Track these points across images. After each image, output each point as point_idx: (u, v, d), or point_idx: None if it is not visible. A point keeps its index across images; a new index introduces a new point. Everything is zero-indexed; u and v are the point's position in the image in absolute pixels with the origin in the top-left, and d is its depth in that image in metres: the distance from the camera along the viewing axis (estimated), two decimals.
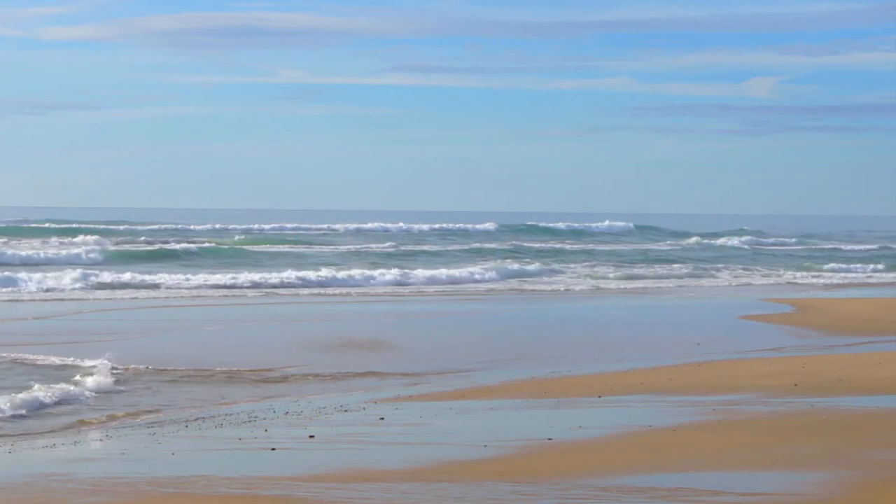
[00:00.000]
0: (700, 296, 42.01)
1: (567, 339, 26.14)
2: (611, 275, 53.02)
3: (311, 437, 12.90)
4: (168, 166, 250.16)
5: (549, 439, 12.23)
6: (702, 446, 11.71)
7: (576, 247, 75.72)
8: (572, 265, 58.72)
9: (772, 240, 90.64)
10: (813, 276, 55.70)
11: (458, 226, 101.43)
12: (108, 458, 11.96)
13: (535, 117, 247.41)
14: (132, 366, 20.22)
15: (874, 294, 43.04)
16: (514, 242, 77.58)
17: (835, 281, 52.72)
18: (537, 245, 75.64)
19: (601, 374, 18.95)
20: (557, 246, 75.71)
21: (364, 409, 15.57)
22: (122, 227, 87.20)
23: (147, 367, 20.19)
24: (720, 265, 61.59)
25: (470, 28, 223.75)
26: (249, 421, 14.80)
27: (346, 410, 15.48)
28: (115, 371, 19.44)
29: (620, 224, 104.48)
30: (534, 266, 55.58)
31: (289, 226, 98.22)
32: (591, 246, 76.95)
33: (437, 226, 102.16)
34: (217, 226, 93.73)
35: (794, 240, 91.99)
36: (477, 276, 49.46)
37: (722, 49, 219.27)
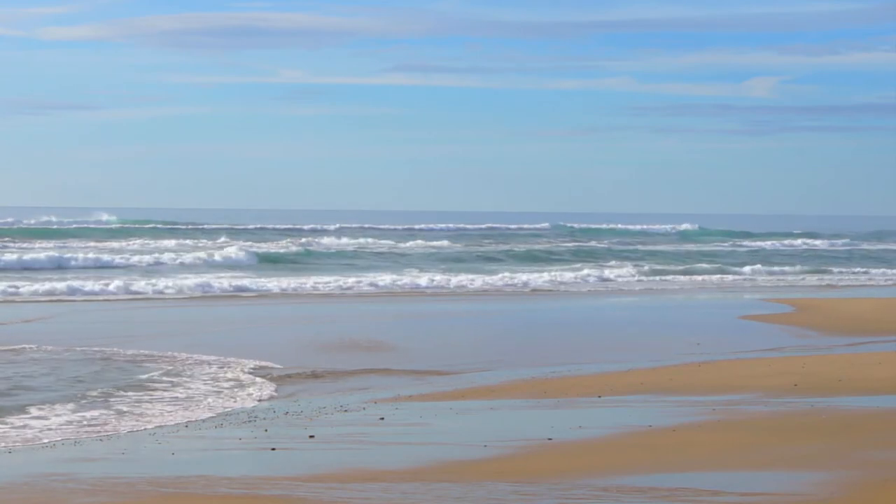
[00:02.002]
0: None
1: (567, 338, 26.14)
2: (827, 279, 52.89)
3: (311, 437, 12.91)
4: (168, 166, 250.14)
5: (549, 439, 12.23)
6: (702, 446, 11.72)
7: (672, 248, 74.38)
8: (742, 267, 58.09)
9: (842, 241, 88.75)
10: None
11: (510, 226, 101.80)
12: (108, 458, 11.96)
13: (535, 117, 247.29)
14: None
15: (874, 294, 43.04)
16: (591, 243, 76.73)
17: None
18: (632, 247, 73.95)
19: (601, 374, 18.95)
20: (652, 248, 73.74)
21: (364, 409, 15.57)
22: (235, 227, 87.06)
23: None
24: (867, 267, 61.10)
25: (470, 28, 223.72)
26: (249, 421, 14.80)
27: (346, 410, 15.48)
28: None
29: (686, 225, 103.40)
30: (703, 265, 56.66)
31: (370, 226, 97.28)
32: (686, 247, 75.55)
33: (487, 226, 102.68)
34: (313, 226, 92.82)
35: (845, 240, 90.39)
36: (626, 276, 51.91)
37: (722, 49, 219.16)
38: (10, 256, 49.81)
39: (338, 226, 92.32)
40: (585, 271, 50.98)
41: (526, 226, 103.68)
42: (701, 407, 14.55)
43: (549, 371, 19.54)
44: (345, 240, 72.34)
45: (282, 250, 60.22)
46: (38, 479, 10.52)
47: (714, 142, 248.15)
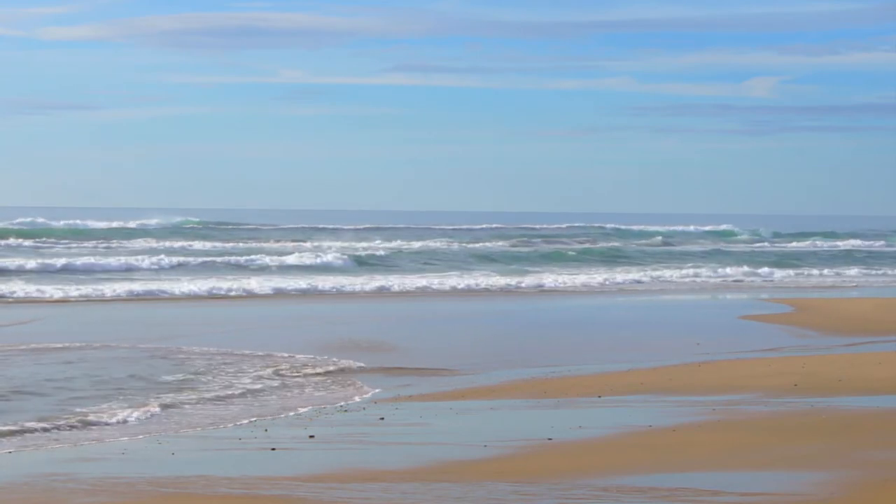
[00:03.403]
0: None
1: (567, 338, 26.13)
2: None
3: (311, 437, 12.92)
4: (168, 166, 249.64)
5: (549, 439, 12.24)
6: (702, 446, 11.72)
7: (739, 248, 73.55)
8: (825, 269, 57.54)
9: (879, 242, 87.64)
10: None
11: (543, 226, 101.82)
12: (108, 458, 11.97)
13: (535, 117, 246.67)
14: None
15: (874, 294, 43.05)
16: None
17: None
18: (694, 249, 72.49)
19: (601, 374, 18.95)
20: (710, 248, 72.17)
21: (364, 409, 15.59)
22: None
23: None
24: None
25: (470, 28, 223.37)
26: (249, 421, 14.81)
27: (346, 410, 15.50)
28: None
29: (728, 226, 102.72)
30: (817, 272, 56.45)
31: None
32: (743, 247, 74.73)
33: (527, 226, 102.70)
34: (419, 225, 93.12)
35: (881, 242, 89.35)
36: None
37: (722, 49, 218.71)
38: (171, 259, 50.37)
39: (418, 226, 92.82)
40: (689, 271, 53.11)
41: (562, 225, 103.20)
42: (701, 407, 14.56)
43: (549, 371, 19.55)
44: (431, 242, 71.74)
45: (372, 252, 61.13)
46: (39, 479, 10.52)
47: (714, 142, 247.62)
